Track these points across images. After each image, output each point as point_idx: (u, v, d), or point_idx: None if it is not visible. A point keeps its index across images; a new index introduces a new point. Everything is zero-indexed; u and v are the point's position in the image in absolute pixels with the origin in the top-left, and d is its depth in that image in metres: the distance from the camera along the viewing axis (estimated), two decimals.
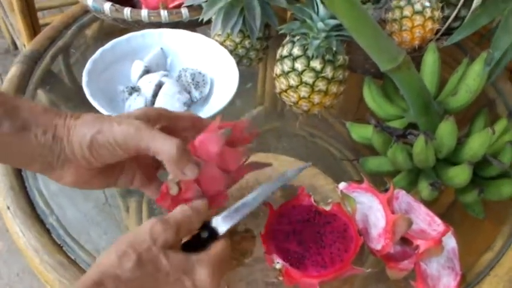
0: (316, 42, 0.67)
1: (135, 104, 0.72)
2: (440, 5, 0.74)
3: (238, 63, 0.78)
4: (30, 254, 0.58)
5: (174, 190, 0.52)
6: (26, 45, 1.46)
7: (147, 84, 0.74)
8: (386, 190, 0.58)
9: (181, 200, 0.52)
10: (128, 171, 0.55)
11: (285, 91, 0.72)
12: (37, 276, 0.59)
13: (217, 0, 0.72)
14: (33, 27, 1.44)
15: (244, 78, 0.75)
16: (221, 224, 0.52)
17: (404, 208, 0.58)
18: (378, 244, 0.55)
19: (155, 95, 0.73)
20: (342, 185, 0.60)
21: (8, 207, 0.62)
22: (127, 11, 0.80)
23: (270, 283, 0.57)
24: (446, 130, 0.61)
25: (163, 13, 0.80)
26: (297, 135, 0.78)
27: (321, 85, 0.70)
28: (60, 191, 0.65)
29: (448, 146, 0.62)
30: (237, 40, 0.78)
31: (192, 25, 0.83)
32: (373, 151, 0.67)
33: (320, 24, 0.67)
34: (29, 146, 0.48)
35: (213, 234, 0.52)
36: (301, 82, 0.70)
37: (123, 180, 0.55)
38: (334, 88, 0.71)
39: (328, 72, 0.69)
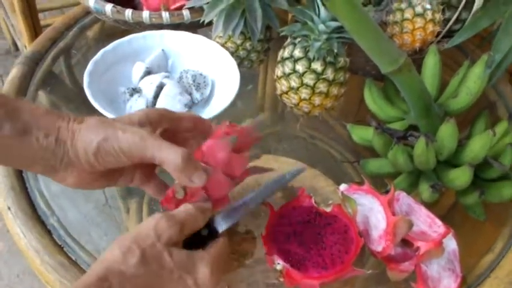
0: (317, 44, 0.67)
1: (136, 105, 0.72)
2: (441, 7, 0.74)
3: (239, 65, 0.78)
4: (31, 255, 0.58)
5: (180, 194, 0.52)
6: (27, 47, 1.47)
7: (149, 86, 0.74)
8: (387, 192, 0.57)
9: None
10: (127, 172, 0.55)
11: (286, 93, 0.73)
12: (38, 277, 0.59)
13: (218, 2, 0.72)
14: (35, 28, 1.44)
15: (245, 80, 0.75)
16: (221, 222, 0.53)
17: (405, 210, 0.58)
18: (378, 246, 0.55)
19: (156, 96, 0.73)
20: (343, 187, 0.60)
21: (9, 208, 0.62)
22: (128, 12, 0.80)
23: (270, 284, 0.57)
24: (447, 132, 0.61)
25: (165, 15, 0.80)
26: (297, 137, 0.78)
27: (321, 87, 0.70)
28: (61, 192, 0.65)
29: (449, 148, 0.62)
30: (238, 42, 0.78)
31: (194, 27, 0.83)
32: (373, 153, 0.67)
33: (321, 26, 0.67)
34: (31, 149, 0.47)
35: (213, 233, 0.52)
36: (302, 84, 0.70)
37: (123, 179, 0.55)
38: (335, 90, 0.71)
39: (329, 74, 0.69)
